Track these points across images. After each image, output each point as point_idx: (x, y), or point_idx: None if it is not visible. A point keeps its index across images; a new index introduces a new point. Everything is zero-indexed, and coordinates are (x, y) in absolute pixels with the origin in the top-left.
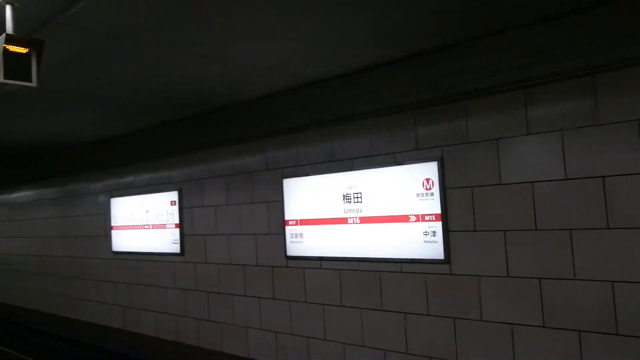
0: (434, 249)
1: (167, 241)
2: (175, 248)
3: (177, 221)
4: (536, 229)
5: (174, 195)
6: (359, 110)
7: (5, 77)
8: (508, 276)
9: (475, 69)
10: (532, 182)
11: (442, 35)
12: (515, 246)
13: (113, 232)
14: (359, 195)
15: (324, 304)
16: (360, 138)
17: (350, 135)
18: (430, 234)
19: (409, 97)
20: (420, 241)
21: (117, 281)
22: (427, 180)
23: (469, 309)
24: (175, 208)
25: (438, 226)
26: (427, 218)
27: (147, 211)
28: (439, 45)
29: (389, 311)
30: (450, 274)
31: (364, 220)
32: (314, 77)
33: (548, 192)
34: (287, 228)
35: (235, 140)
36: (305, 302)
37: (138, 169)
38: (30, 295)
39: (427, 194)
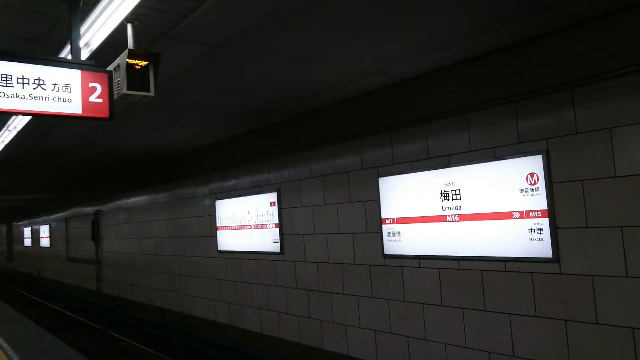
0: (541, 247)
1: (267, 240)
2: (276, 247)
3: (277, 221)
4: None
5: (273, 197)
6: (456, 105)
7: (128, 89)
8: (627, 276)
9: (584, 54)
10: None
11: (548, 20)
12: (635, 243)
13: (218, 232)
14: (458, 192)
15: (423, 303)
16: (458, 134)
17: (447, 131)
18: (535, 231)
19: (510, 88)
20: (525, 239)
21: (222, 279)
22: (532, 174)
23: (581, 311)
24: (275, 208)
25: (545, 223)
26: (532, 214)
27: (248, 212)
28: (544, 32)
29: (493, 312)
30: (560, 273)
31: (464, 217)
32: (409, 74)
33: None
34: (384, 227)
35: (331, 141)
36: (404, 301)
37: (240, 172)
38: (145, 291)
39: (531, 189)
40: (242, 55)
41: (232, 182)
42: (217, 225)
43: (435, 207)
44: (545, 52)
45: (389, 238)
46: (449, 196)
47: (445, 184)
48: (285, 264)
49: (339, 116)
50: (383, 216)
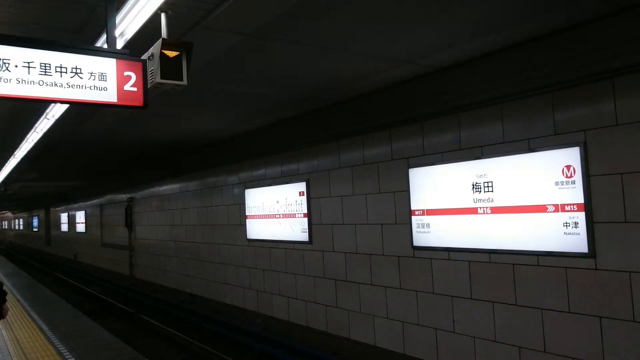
0: (576, 242)
1: (296, 230)
2: (304, 236)
3: (306, 211)
4: None
5: (302, 186)
6: (490, 95)
7: (161, 77)
8: None
9: (625, 43)
10: None
11: (587, 9)
12: None
13: (247, 220)
14: (490, 184)
15: (452, 296)
16: (491, 124)
17: (480, 122)
18: (571, 225)
19: (546, 78)
20: (560, 233)
21: (251, 267)
22: (568, 167)
23: (618, 308)
24: (304, 198)
25: (580, 217)
26: (567, 208)
27: (277, 201)
28: (582, 20)
29: (524, 306)
30: (596, 268)
31: (495, 210)
32: (441, 63)
33: None
34: (414, 218)
35: (360, 131)
36: (433, 293)
37: (269, 162)
38: (176, 277)
39: (567, 182)
40: (274, 44)
41: (261, 172)
42: (247, 214)
43: (467, 199)
44: (584, 41)
45: (419, 230)
46: (480, 188)
47: (477, 175)
48: (314, 253)
49: (369, 106)
50: (413, 207)
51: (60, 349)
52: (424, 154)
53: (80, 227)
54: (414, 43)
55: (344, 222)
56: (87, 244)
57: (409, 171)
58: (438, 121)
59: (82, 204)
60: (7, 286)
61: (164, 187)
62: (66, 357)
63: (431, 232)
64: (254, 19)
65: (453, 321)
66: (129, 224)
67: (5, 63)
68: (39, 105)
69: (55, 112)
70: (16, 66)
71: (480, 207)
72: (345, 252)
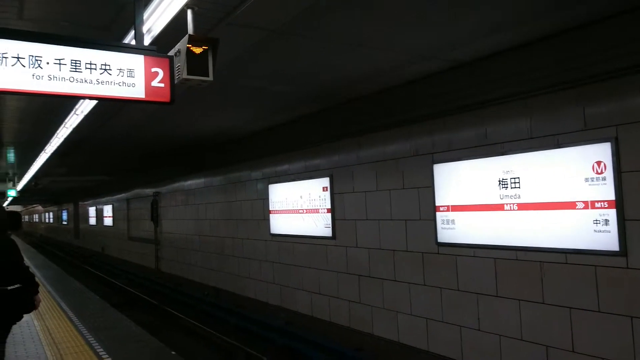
0: (606, 239)
1: (319, 225)
2: (327, 232)
3: (329, 206)
4: None
5: (325, 182)
6: (516, 89)
7: (188, 74)
8: None
9: None
10: None
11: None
12: None
13: (271, 215)
14: (517, 180)
15: (477, 293)
16: (517, 119)
17: (506, 117)
18: (601, 223)
19: (575, 72)
20: (589, 230)
21: (274, 261)
22: (598, 163)
23: None
24: (327, 194)
25: (611, 214)
26: (597, 205)
27: (301, 196)
28: (613, 12)
29: (552, 305)
30: (627, 267)
31: (523, 207)
32: (465, 57)
33: None
34: (438, 214)
35: (384, 127)
36: (458, 290)
37: (292, 157)
38: (200, 271)
39: (597, 178)
40: (297, 40)
41: (284, 167)
42: (270, 209)
43: (493, 195)
44: (614, 34)
45: (443, 226)
46: (507, 184)
47: (503, 171)
48: (337, 248)
49: (392, 100)
50: (437, 203)
51: (89, 339)
52: (449, 150)
53: (108, 221)
54: (436, 38)
55: (367, 218)
56: (115, 238)
57: (434, 167)
58: (463, 116)
59: (109, 198)
60: (39, 277)
61: (189, 182)
62: (95, 347)
63: (456, 229)
64: (278, 15)
65: (478, 319)
66: (155, 218)
67: (37, 60)
68: (68, 102)
69: (84, 108)
70: (48, 63)
71: (507, 204)
72: (368, 248)
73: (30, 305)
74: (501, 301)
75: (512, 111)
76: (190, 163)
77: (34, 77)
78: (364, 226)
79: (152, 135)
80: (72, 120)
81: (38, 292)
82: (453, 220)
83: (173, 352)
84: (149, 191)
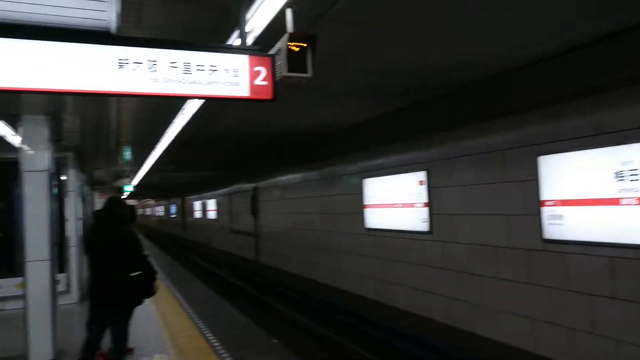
0: None
1: (415, 219)
2: (424, 226)
3: (426, 200)
4: None
5: (421, 175)
6: (634, 72)
7: (288, 71)
8: None
9: None
10: None
11: None
12: None
13: (365, 210)
14: (636, 172)
15: (590, 294)
16: (637, 106)
17: (623, 103)
18: None
19: None
20: None
21: (369, 255)
22: None
23: None
24: (424, 187)
25: None
26: None
27: (396, 191)
28: None
29: None
30: None
31: None
32: (575, 41)
33: None
34: (544, 209)
35: (484, 117)
36: (567, 290)
37: (387, 151)
38: (297, 264)
39: None
40: (392, 33)
41: (379, 161)
42: (365, 203)
43: (608, 188)
44: None
45: (550, 221)
46: (624, 177)
47: (621, 163)
48: (434, 243)
49: (494, 90)
50: (543, 198)
51: (199, 325)
52: (557, 140)
53: (212, 215)
54: (542, 23)
55: (466, 212)
56: (218, 230)
57: (539, 159)
58: (572, 105)
59: (212, 192)
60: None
61: (286, 177)
62: (205, 333)
63: (565, 225)
64: (371, 10)
65: (591, 322)
66: (255, 211)
67: (154, 64)
68: (177, 102)
69: (190, 108)
70: (163, 66)
71: (624, 198)
72: (467, 244)
73: (150, 291)
74: (619, 303)
75: (631, 96)
76: (286, 158)
77: (152, 80)
78: (462, 221)
79: (251, 132)
80: (180, 120)
81: (156, 279)
82: (561, 216)
83: (276, 340)
84: (249, 186)
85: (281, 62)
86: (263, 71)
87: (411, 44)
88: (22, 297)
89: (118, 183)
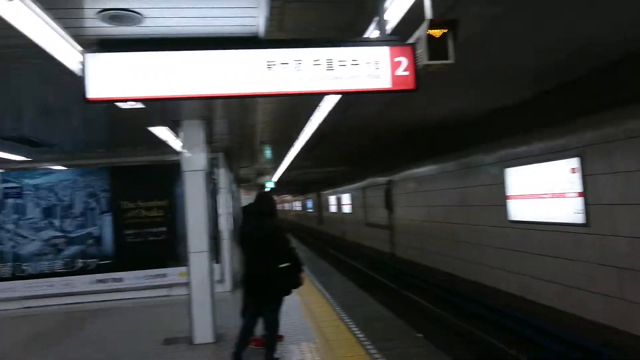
0: None
1: (567, 211)
2: (578, 218)
3: (579, 189)
4: None
5: (574, 162)
6: None
7: (429, 59)
8: None
9: None
10: None
11: None
12: None
13: (508, 201)
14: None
15: None
16: None
17: None
18: None
19: None
20: None
21: (511, 249)
22: None
23: None
24: (576, 176)
25: None
26: None
27: (543, 180)
28: None
29: None
30: None
31: None
32: None
33: None
34: None
35: None
36: None
37: (531, 138)
38: (433, 257)
39: None
40: (537, 10)
41: (522, 149)
42: (507, 194)
43: None
44: None
45: None
46: None
47: None
48: (589, 237)
49: None
50: None
51: (342, 316)
52: None
53: (346, 209)
54: None
55: (630, 202)
56: (353, 224)
57: None
58: None
59: (347, 187)
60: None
61: (420, 169)
62: (348, 324)
63: None
64: None
65: None
66: (389, 205)
67: (299, 63)
68: (315, 100)
69: (326, 105)
70: (307, 65)
71: None
72: (631, 237)
73: (297, 281)
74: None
75: None
76: (421, 150)
77: (298, 79)
78: (624, 211)
79: (385, 124)
80: (316, 117)
81: (302, 270)
82: None
83: (419, 334)
84: (383, 179)
85: (421, 50)
86: (404, 61)
87: (557, 22)
88: (186, 284)
89: (260, 180)
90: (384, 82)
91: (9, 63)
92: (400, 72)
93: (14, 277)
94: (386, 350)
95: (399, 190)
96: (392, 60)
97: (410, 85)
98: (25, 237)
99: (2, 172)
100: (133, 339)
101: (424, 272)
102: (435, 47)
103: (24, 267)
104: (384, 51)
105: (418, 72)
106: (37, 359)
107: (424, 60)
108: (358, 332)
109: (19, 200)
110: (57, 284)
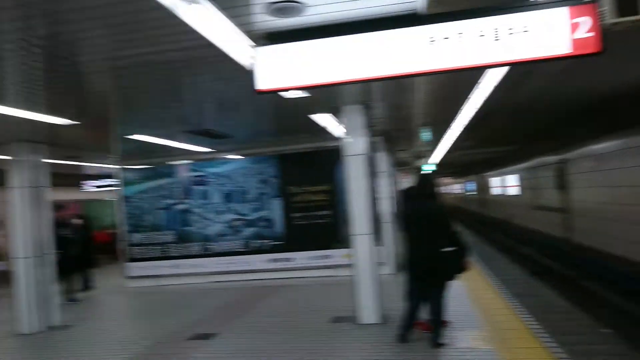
0: None
1: None
2: None
3: None
4: None
5: None
6: None
7: (618, 15)
8: None
9: None
10: None
11: None
12: None
13: None
14: None
15: None
16: None
17: None
18: None
19: None
20: None
21: None
22: None
23: None
24: None
25: None
26: None
27: None
28: None
29: None
30: None
31: None
32: None
33: None
34: None
35: None
36: None
37: None
38: (618, 243)
39: None
40: None
41: None
42: None
43: None
44: None
45: None
46: None
47: None
48: None
49: None
50: None
51: (512, 304)
52: None
53: (511, 190)
54: None
55: None
56: (519, 206)
57: None
58: None
59: (512, 167)
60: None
61: (599, 146)
62: (519, 314)
63: None
64: None
65: None
66: (562, 186)
67: (460, 35)
68: (475, 76)
69: (487, 81)
70: (472, 37)
71: None
72: None
73: (462, 266)
74: None
75: None
76: (602, 124)
77: (461, 52)
78: None
79: (557, 98)
80: (476, 95)
81: (468, 255)
82: None
83: (607, 330)
84: (554, 159)
85: (607, 6)
86: (586, 22)
87: None
88: (349, 266)
89: (417, 163)
90: (562, 47)
91: (192, 66)
92: (581, 34)
93: (202, 255)
94: (567, 345)
95: (575, 170)
96: (571, 22)
97: (595, 47)
98: (209, 220)
99: (190, 163)
100: (304, 315)
101: (611, 260)
102: (624, 1)
103: (210, 246)
104: (561, 12)
105: (604, 32)
106: (227, 324)
107: (610, 17)
108: (532, 323)
109: (204, 187)
110: (239, 262)
